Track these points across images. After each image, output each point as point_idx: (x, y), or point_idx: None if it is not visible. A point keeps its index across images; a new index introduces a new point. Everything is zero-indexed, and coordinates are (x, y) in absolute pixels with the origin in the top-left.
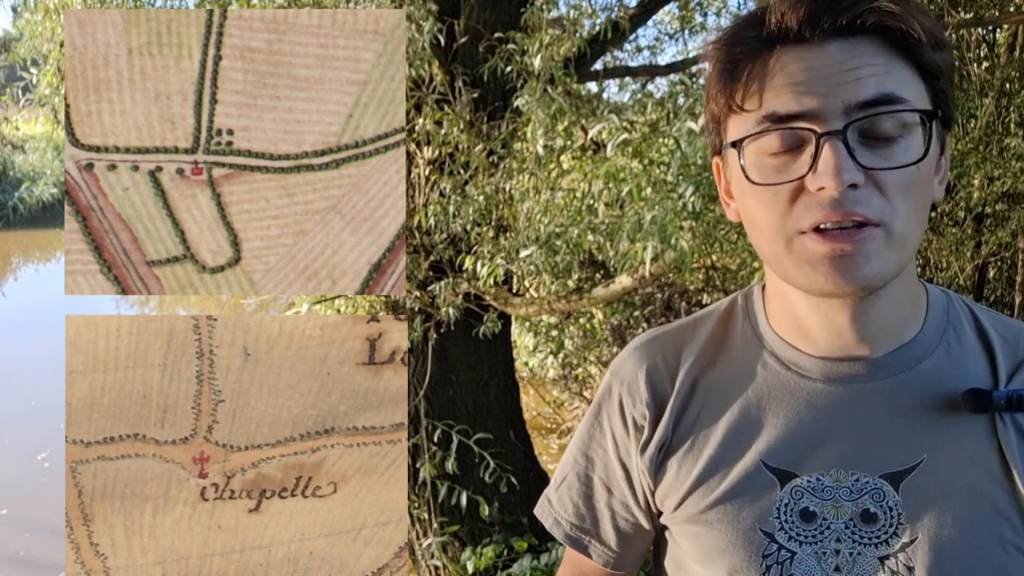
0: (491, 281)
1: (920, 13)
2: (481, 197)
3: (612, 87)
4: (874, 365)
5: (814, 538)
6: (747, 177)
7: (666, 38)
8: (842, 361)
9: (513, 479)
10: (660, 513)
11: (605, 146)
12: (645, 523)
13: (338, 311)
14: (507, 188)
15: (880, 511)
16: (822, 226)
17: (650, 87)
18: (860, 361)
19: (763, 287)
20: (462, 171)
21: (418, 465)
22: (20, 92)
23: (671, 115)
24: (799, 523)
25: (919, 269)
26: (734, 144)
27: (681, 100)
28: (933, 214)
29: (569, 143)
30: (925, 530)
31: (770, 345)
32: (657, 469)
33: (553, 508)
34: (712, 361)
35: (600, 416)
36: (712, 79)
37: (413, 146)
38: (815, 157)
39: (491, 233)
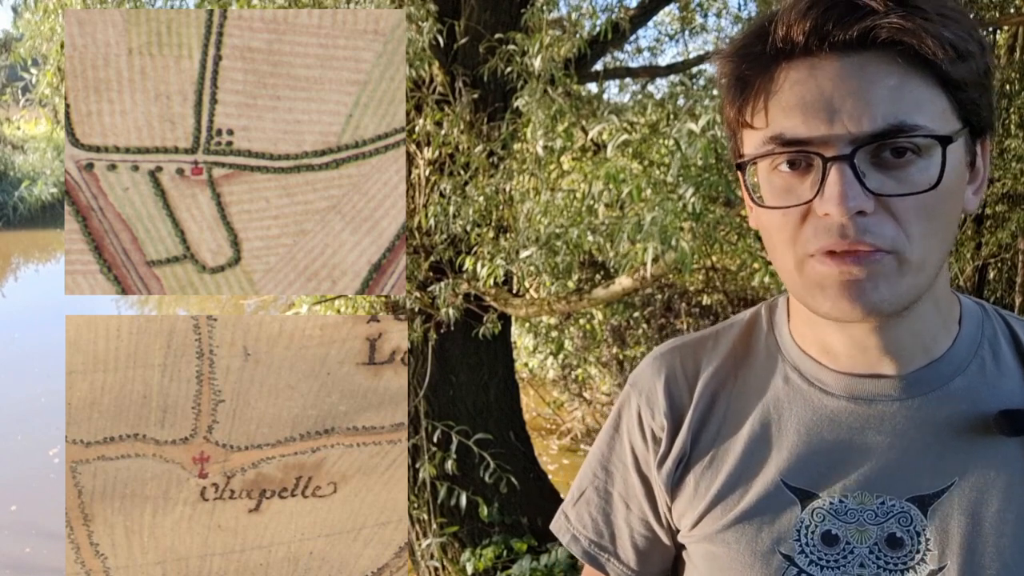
0: (491, 282)
1: (944, 21)
2: (481, 198)
3: (612, 88)
4: (901, 383)
5: (836, 563)
6: (754, 199)
7: (666, 39)
8: (867, 378)
9: (513, 480)
10: (678, 531)
11: (605, 147)
12: (665, 539)
13: (338, 311)
14: (507, 189)
15: (907, 536)
16: (832, 250)
17: (650, 88)
18: (886, 379)
19: (788, 298)
20: (462, 172)
21: (418, 466)
22: (20, 92)
23: (671, 116)
24: (820, 546)
25: None
26: (739, 166)
27: (681, 101)
28: None
29: (569, 144)
30: (954, 557)
31: (793, 359)
32: (675, 485)
33: (571, 524)
34: (733, 374)
35: (619, 428)
36: (723, 92)
37: (413, 147)
38: (822, 181)
39: (491, 234)
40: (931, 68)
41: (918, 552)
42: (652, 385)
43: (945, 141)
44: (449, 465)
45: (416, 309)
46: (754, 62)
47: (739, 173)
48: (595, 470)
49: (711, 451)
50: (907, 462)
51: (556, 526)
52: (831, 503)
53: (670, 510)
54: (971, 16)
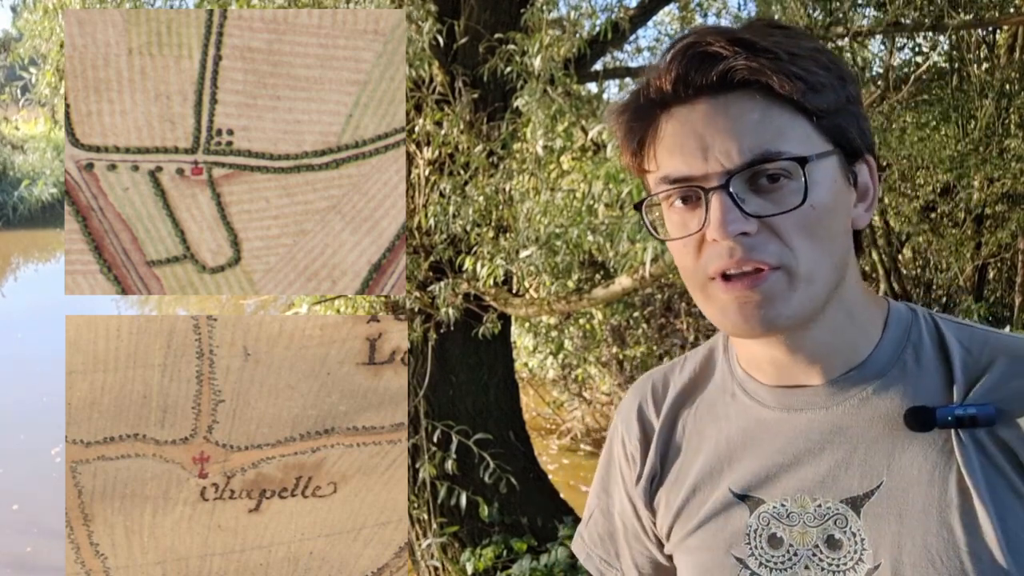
0: (491, 282)
1: (793, 59)
2: (481, 198)
3: (612, 88)
4: (825, 391)
5: (782, 564)
6: (655, 234)
7: (666, 39)
8: (794, 389)
9: (513, 480)
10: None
11: (605, 147)
12: (660, 557)
13: (338, 311)
14: (507, 189)
15: (845, 537)
16: (727, 272)
17: None
18: (811, 388)
19: None
20: (462, 172)
21: (418, 465)
22: (20, 92)
23: None
24: (767, 549)
25: (919, 271)
26: (636, 206)
27: None
28: (933, 215)
29: (569, 144)
30: (886, 555)
31: (738, 378)
32: (651, 501)
33: (585, 543)
34: (692, 395)
35: (612, 452)
36: (620, 146)
37: (413, 147)
38: (706, 211)
39: (491, 234)
40: (788, 100)
41: (855, 552)
42: (629, 412)
43: (802, 161)
44: (449, 465)
45: (416, 309)
46: (638, 115)
47: (639, 213)
48: (598, 492)
49: (676, 467)
50: (837, 466)
51: (575, 546)
52: (774, 507)
53: (654, 526)
54: (827, 53)
